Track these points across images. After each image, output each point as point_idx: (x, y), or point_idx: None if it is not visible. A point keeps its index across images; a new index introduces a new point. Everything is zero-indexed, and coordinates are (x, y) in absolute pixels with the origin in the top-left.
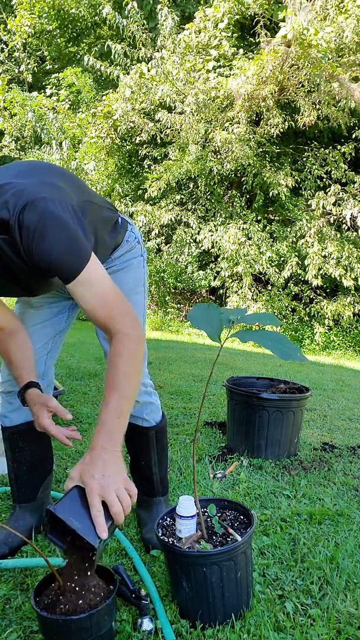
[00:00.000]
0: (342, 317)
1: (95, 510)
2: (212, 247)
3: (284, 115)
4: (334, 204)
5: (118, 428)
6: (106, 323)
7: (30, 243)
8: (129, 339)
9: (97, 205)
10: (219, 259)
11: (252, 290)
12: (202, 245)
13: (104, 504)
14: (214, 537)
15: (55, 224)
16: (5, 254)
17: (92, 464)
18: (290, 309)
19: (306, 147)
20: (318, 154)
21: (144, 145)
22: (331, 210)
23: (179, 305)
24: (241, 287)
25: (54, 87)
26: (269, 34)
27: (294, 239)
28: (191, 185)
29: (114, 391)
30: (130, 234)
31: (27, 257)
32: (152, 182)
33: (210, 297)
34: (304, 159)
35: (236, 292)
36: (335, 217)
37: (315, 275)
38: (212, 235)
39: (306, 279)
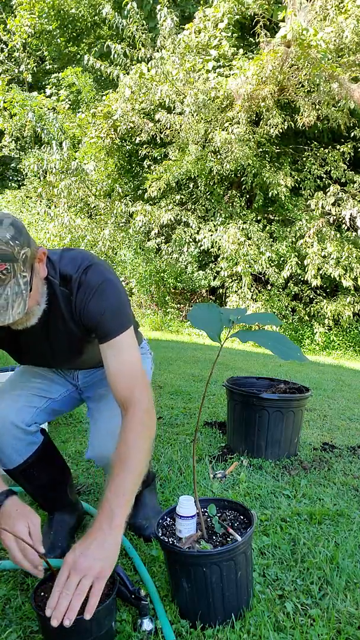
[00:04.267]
0: (342, 317)
1: (57, 587)
2: (212, 247)
3: (283, 115)
4: (333, 204)
5: (121, 506)
6: (124, 392)
7: (87, 299)
8: (142, 411)
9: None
10: (218, 259)
11: (252, 290)
12: (201, 245)
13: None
14: (214, 537)
15: (112, 289)
16: (56, 307)
17: (81, 541)
18: (290, 309)
19: (306, 147)
20: (318, 154)
21: (144, 145)
22: (330, 210)
23: (179, 305)
24: (241, 287)
25: (54, 87)
26: (268, 34)
27: (294, 239)
28: (191, 185)
29: (121, 465)
30: (144, 343)
31: (77, 312)
32: (152, 182)
33: (210, 297)
34: (304, 159)
35: (236, 292)
36: (335, 217)
37: (314, 275)
38: (211, 235)
39: (306, 279)
